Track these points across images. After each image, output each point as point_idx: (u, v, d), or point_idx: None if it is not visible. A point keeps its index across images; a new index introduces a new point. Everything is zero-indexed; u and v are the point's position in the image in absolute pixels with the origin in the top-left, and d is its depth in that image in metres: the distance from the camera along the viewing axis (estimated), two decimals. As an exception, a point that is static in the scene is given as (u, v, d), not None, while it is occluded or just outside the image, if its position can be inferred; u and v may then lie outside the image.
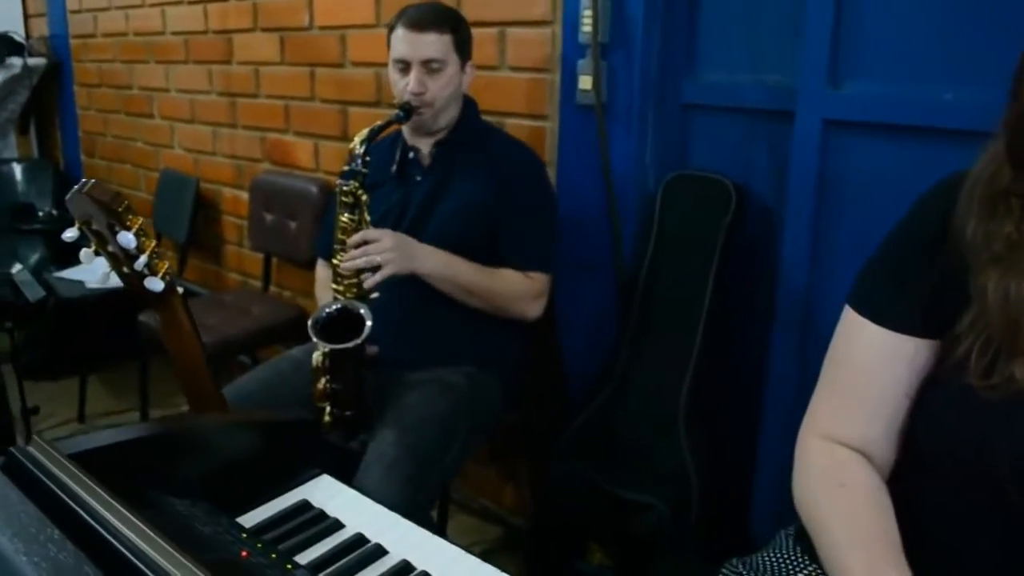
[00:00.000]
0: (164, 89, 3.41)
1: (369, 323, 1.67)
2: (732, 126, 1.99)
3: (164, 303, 1.12)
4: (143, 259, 1.05)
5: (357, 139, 1.75)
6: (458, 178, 1.89)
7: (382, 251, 1.71)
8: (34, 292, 2.44)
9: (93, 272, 1.11)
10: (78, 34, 3.89)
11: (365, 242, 1.71)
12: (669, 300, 1.99)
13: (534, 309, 1.90)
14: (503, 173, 1.87)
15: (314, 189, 2.72)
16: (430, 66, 1.80)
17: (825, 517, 0.98)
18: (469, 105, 1.94)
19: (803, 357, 1.86)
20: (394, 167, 1.92)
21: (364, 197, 1.75)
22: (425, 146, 1.92)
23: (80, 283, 3.10)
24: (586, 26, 1.95)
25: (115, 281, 1.12)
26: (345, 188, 1.74)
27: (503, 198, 1.86)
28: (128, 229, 1.03)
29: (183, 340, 1.15)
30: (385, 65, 2.37)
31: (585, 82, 1.99)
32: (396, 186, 1.91)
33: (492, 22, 2.16)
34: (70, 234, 1.08)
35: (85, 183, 1.04)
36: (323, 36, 2.63)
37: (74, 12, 3.86)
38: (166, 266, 1.10)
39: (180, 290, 1.13)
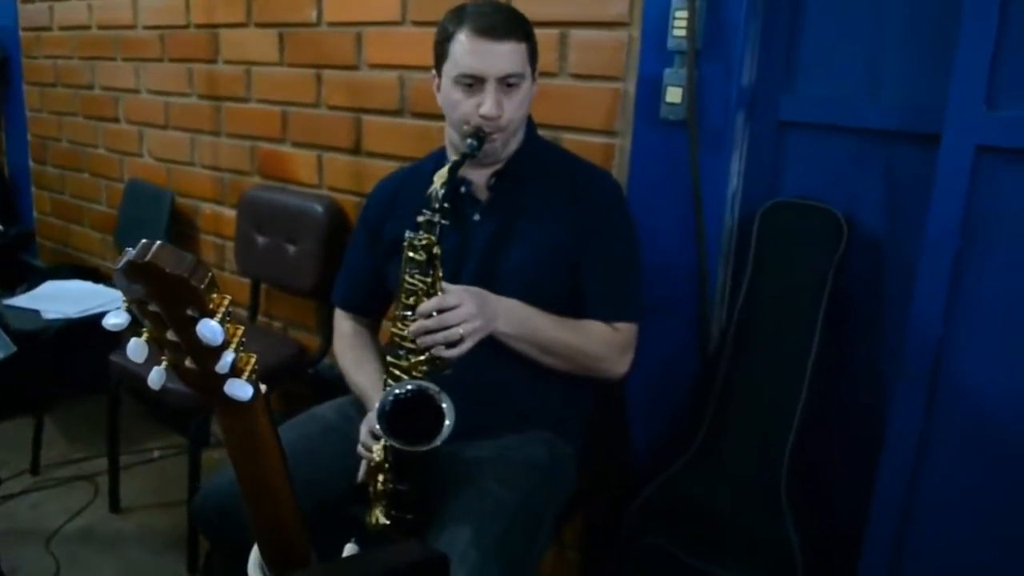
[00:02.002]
0: (133, 90, 3.01)
1: (449, 422, 1.35)
2: (837, 148, 1.72)
3: (242, 412, 0.79)
4: (230, 357, 0.72)
5: (437, 180, 1.41)
6: (527, 216, 1.57)
7: (463, 319, 1.39)
8: (5, 348, 2.04)
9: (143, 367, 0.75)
10: (30, 26, 3.46)
11: (440, 310, 1.39)
12: (767, 348, 1.71)
13: (623, 365, 1.60)
14: (580, 206, 1.57)
15: (318, 208, 2.37)
16: (507, 82, 1.48)
17: None
18: (530, 125, 1.63)
19: (929, 416, 1.60)
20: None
21: (439, 253, 1.42)
22: (481, 177, 1.60)
23: (35, 313, 2.70)
24: (679, 30, 1.66)
25: (169, 380, 0.78)
26: (417, 243, 1.41)
27: (582, 237, 1.56)
28: (213, 315, 0.70)
29: (262, 461, 0.82)
30: (412, 68, 2.07)
31: (674, 94, 1.70)
32: (448, 228, 1.58)
33: (552, 22, 1.85)
34: (116, 320, 0.73)
35: (147, 247, 0.71)
36: (333, 34, 2.29)
37: (26, 1, 3.42)
38: (253, 361, 0.77)
39: (263, 388, 0.80)
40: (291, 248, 2.44)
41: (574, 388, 1.64)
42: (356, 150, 2.31)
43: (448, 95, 1.52)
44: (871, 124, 1.67)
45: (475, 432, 1.54)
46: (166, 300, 0.71)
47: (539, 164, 1.60)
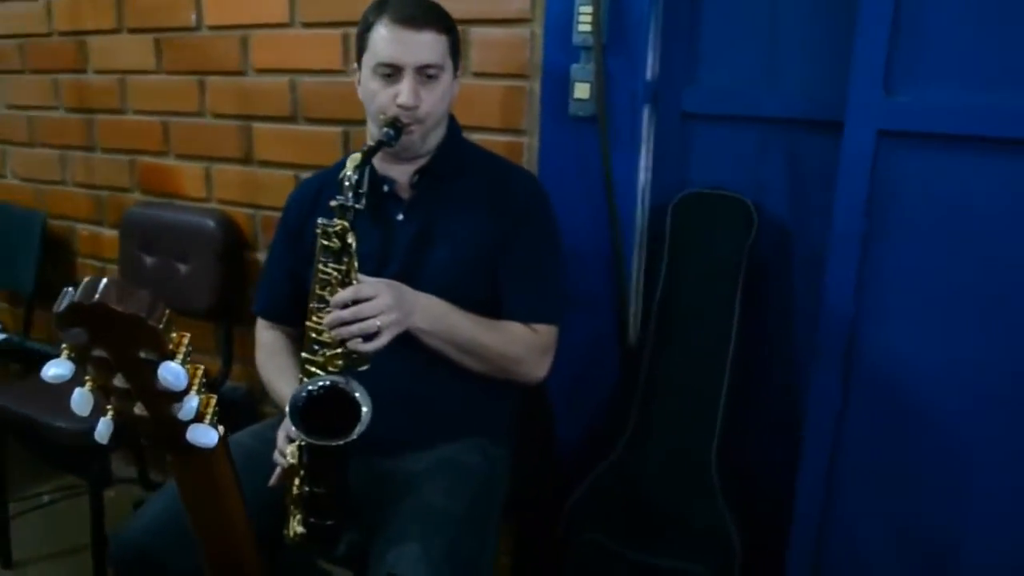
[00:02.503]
0: (-11, 105, 2.78)
1: (366, 410, 1.30)
2: (741, 137, 1.76)
3: (203, 458, 0.72)
4: (193, 403, 0.65)
5: (350, 164, 1.35)
6: (450, 215, 1.53)
7: (380, 311, 1.34)
8: None
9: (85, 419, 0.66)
10: None
11: (355, 300, 1.34)
12: (688, 337, 1.73)
13: (542, 368, 1.57)
14: (503, 207, 1.54)
15: (210, 223, 2.25)
16: (426, 73, 1.44)
17: None
18: (452, 123, 1.59)
19: (845, 395, 1.65)
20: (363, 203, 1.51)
21: (353, 241, 1.36)
22: (403, 175, 1.55)
23: None
24: (584, 25, 1.65)
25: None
26: (331, 229, 1.35)
27: (504, 238, 1.53)
28: (173, 356, 0.63)
29: (222, 504, 0.75)
30: (303, 72, 2.01)
31: (582, 90, 1.69)
32: (371, 228, 1.52)
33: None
34: (59, 371, 0.65)
35: (92, 286, 0.63)
36: (216, 38, 2.17)
37: None
38: (213, 403, 0.70)
39: (221, 429, 0.74)
40: (183, 268, 2.30)
41: (500, 391, 1.60)
42: (247, 160, 2.21)
43: (367, 86, 1.47)
44: (772, 113, 1.71)
45: (408, 445, 1.50)
46: (116, 343, 0.64)
47: (462, 163, 1.57)
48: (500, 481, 1.56)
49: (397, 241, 1.52)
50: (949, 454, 1.60)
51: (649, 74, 1.73)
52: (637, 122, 1.73)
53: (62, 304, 0.63)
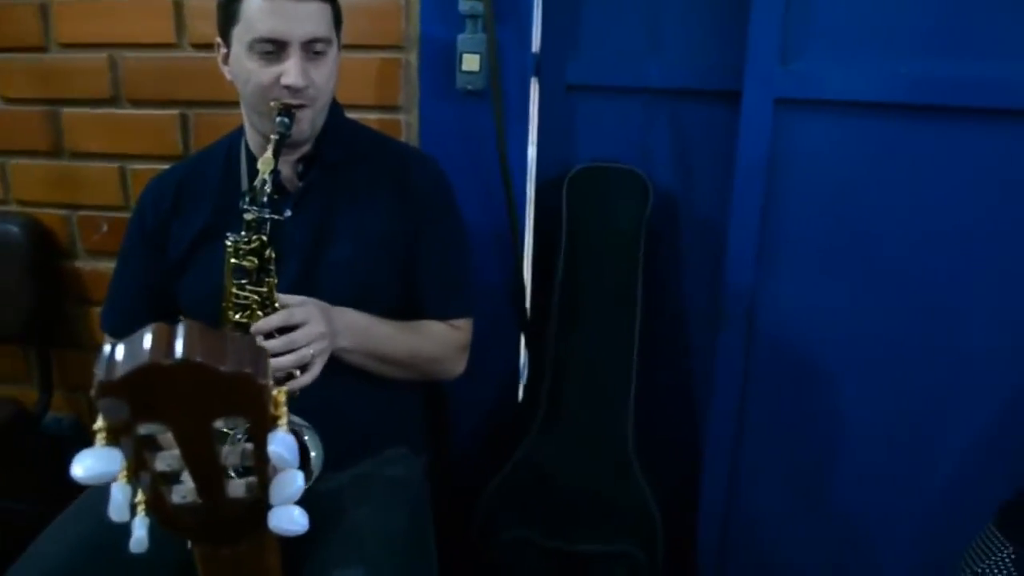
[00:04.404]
0: None
1: (316, 454, 1.15)
2: (627, 108, 1.72)
3: (255, 546, 0.55)
4: (299, 481, 0.50)
5: (264, 167, 1.16)
6: (347, 207, 1.36)
7: (314, 339, 1.18)
8: None
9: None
10: None
11: (285, 328, 1.17)
12: (594, 315, 1.69)
13: (461, 364, 1.47)
14: (408, 194, 1.39)
15: (14, 230, 1.88)
16: (313, 48, 1.25)
17: None
18: (335, 103, 1.41)
19: (748, 355, 1.69)
20: (245, 200, 1.30)
21: (272, 256, 1.18)
22: (286, 166, 1.35)
23: None
24: (472, -9, 1.53)
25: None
26: (245, 247, 1.16)
27: (414, 228, 1.39)
28: (276, 423, 0.47)
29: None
30: (126, 46, 1.76)
31: (471, 62, 1.57)
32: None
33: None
34: (101, 466, 0.46)
35: (165, 335, 0.45)
36: (5, 7, 1.81)
37: None
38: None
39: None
40: (-22, 283, 1.93)
41: (413, 395, 1.49)
42: (56, 152, 1.87)
43: (241, 65, 1.25)
44: (657, 83, 1.69)
45: (329, 465, 1.33)
46: (191, 413, 0.47)
47: (352, 147, 1.39)
48: (426, 490, 1.44)
49: (289, 239, 1.33)
50: (838, 399, 1.69)
51: (534, 45, 1.65)
52: (526, 95, 1.64)
53: (117, 369, 0.45)
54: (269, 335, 1.17)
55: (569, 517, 1.67)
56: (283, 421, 0.48)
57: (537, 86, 1.71)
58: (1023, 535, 1.02)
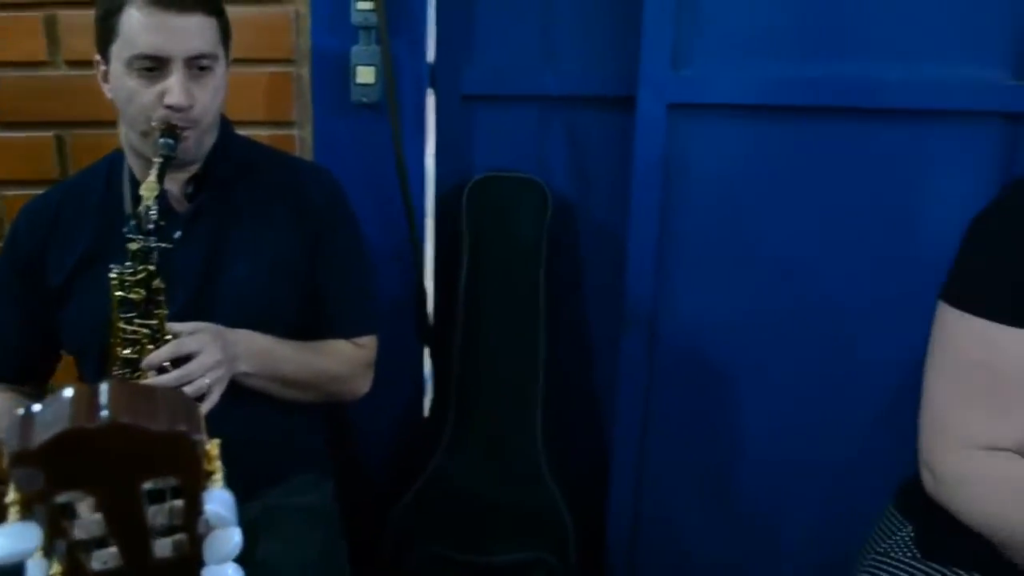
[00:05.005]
0: None
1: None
2: (523, 117, 1.73)
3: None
4: (237, 537, 0.47)
5: (148, 193, 1.10)
6: (242, 227, 1.31)
7: (209, 368, 1.13)
8: None
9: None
10: None
11: (177, 360, 1.12)
12: (498, 325, 1.70)
13: (367, 382, 1.43)
14: (305, 212, 1.35)
15: None
16: (197, 64, 1.20)
17: None
18: (224, 119, 1.36)
19: (651, 358, 1.72)
20: (130, 227, 1.24)
21: (161, 286, 1.13)
22: (174, 185, 1.28)
23: None
24: (364, 3, 1.50)
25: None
26: (130, 278, 1.10)
27: (313, 247, 1.35)
28: (210, 478, 0.45)
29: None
30: None
31: (366, 74, 1.55)
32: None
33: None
34: (17, 545, 0.42)
35: (87, 396, 0.41)
36: None
37: None
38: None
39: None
40: None
41: (317, 417, 1.45)
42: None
43: (121, 84, 1.18)
44: (552, 91, 1.70)
45: (237, 497, 1.28)
46: (116, 477, 0.43)
47: (244, 165, 1.34)
48: (337, 515, 1.41)
49: (180, 265, 1.26)
50: (738, 396, 1.75)
51: (429, 56, 1.64)
52: (422, 106, 1.63)
53: (34, 436, 0.41)
54: (162, 369, 1.12)
55: (482, 528, 1.66)
56: (218, 476, 0.46)
57: (433, 97, 1.70)
58: (920, 514, 1.07)
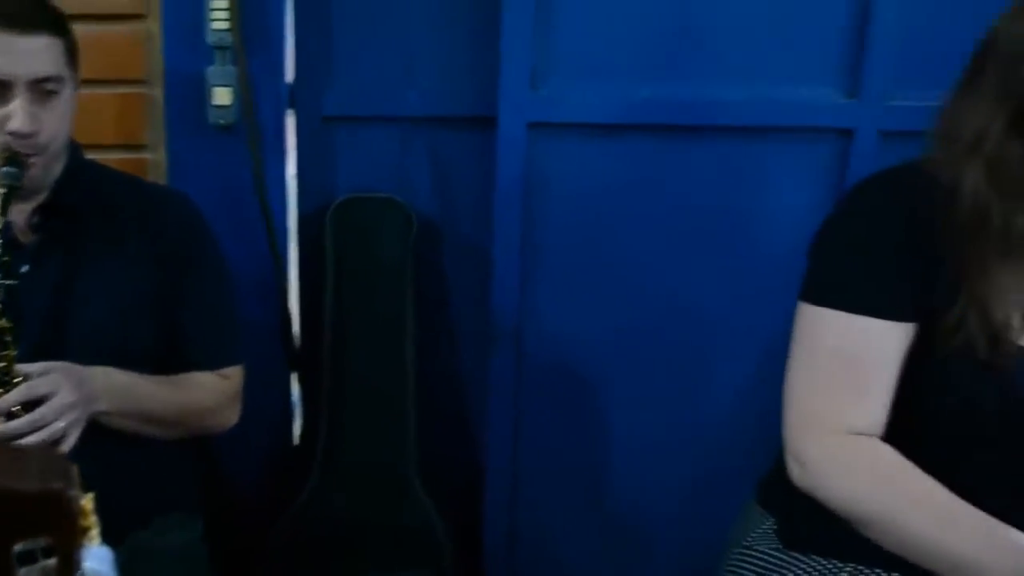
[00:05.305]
0: None
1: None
2: (385, 138, 1.74)
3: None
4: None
5: None
6: (94, 259, 1.25)
7: (63, 411, 1.07)
8: None
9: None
10: None
11: (30, 403, 1.06)
12: (368, 346, 1.69)
13: (235, 414, 1.39)
14: (162, 241, 1.30)
15: None
16: (43, 88, 1.14)
17: (897, 507, 0.98)
18: (73, 144, 1.30)
19: (519, 374, 1.76)
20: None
21: (7, 325, 1.07)
22: (19, 215, 1.21)
23: None
24: (220, 22, 1.47)
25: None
26: None
27: (171, 277, 1.30)
28: (87, 535, 0.43)
29: None
30: None
31: (222, 95, 1.51)
32: None
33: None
34: None
35: None
36: None
37: None
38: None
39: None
40: None
41: (183, 453, 1.39)
42: None
43: None
44: (414, 112, 1.71)
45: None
46: None
47: (95, 192, 1.28)
48: (206, 555, 1.36)
49: (28, 300, 1.19)
50: (605, 405, 1.81)
51: (288, 76, 1.62)
52: (281, 128, 1.61)
53: None
54: (11, 414, 1.05)
55: (359, 550, 1.66)
56: (95, 532, 0.44)
57: (293, 118, 1.68)
58: (780, 507, 1.13)
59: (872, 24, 1.58)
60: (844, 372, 1.02)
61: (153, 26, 1.52)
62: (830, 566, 1.06)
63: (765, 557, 1.11)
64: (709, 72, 1.62)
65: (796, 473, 1.02)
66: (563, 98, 1.62)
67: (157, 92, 1.55)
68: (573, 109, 1.63)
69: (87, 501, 0.45)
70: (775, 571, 1.09)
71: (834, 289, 1.03)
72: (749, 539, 1.15)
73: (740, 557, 1.14)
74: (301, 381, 1.74)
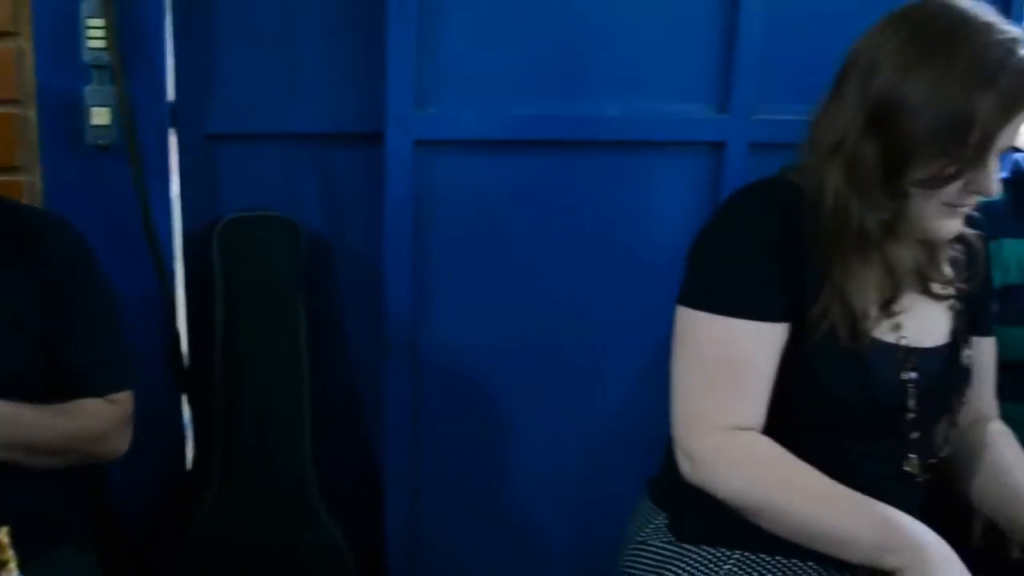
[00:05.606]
0: None
1: None
2: (270, 156, 1.73)
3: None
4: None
5: None
6: None
7: None
8: None
9: None
10: None
11: None
12: (262, 366, 1.68)
13: (126, 439, 1.35)
14: (41, 267, 1.26)
15: None
16: None
17: (779, 494, 1.04)
18: None
19: (416, 386, 1.78)
20: None
21: None
22: None
23: None
24: (96, 40, 1.44)
25: None
26: None
27: (51, 304, 1.27)
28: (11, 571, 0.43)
29: None
30: None
31: (101, 115, 1.48)
32: None
33: None
34: None
35: None
36: None
37: None
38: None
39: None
40: None
41: (67, 484, 1.34)
42: None
43: None
44: (299, 129, 1.72)
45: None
46: None
47: None
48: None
49: None
50: (502, 413, 1.85)
51: (169, 95, 1.59)
52: (164, 147, 1.58)
53: None
54: None
55: (260, 572, 1.63)
56: (12, 565, 0.44)
57: (175, 137, 1.65)
58: (671, 503, 1.19)
59: (739, 43, 1.69)
60: (723, 372, 1.08)
61: (26, 44, 1.47)
62: (719, 555, 1.12)
63: (658, 551, 1.17)
64: (588, 89, 1.69)
65: (686, 469, 1.07)
66: (448, 116, 1.66)
67: (31, 112, 1.50)
68: (458, 126, 1.67)
69: (3, 535, 0.45)
70: (668, 564, 1.15)
71: (710, 293, 1.09)
72: (642, 535, 1.20)
73: (635, 552, 1.20)
74: (192, 403, 1.71)
